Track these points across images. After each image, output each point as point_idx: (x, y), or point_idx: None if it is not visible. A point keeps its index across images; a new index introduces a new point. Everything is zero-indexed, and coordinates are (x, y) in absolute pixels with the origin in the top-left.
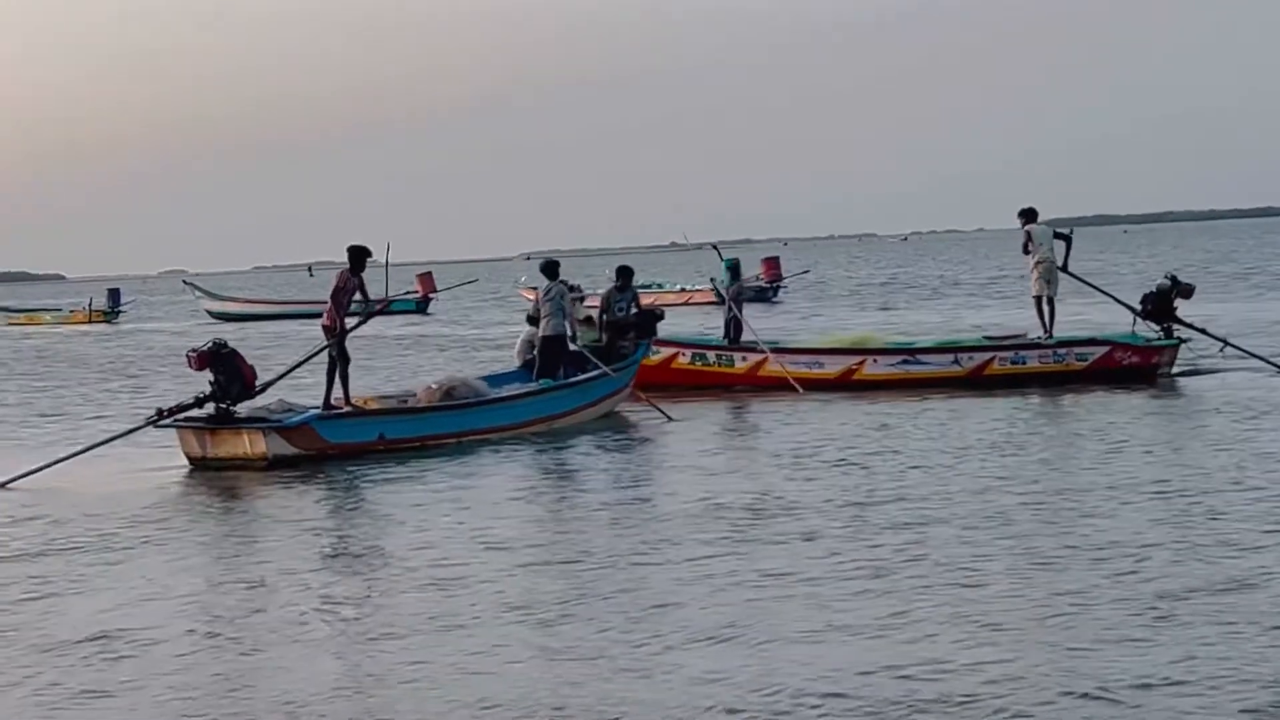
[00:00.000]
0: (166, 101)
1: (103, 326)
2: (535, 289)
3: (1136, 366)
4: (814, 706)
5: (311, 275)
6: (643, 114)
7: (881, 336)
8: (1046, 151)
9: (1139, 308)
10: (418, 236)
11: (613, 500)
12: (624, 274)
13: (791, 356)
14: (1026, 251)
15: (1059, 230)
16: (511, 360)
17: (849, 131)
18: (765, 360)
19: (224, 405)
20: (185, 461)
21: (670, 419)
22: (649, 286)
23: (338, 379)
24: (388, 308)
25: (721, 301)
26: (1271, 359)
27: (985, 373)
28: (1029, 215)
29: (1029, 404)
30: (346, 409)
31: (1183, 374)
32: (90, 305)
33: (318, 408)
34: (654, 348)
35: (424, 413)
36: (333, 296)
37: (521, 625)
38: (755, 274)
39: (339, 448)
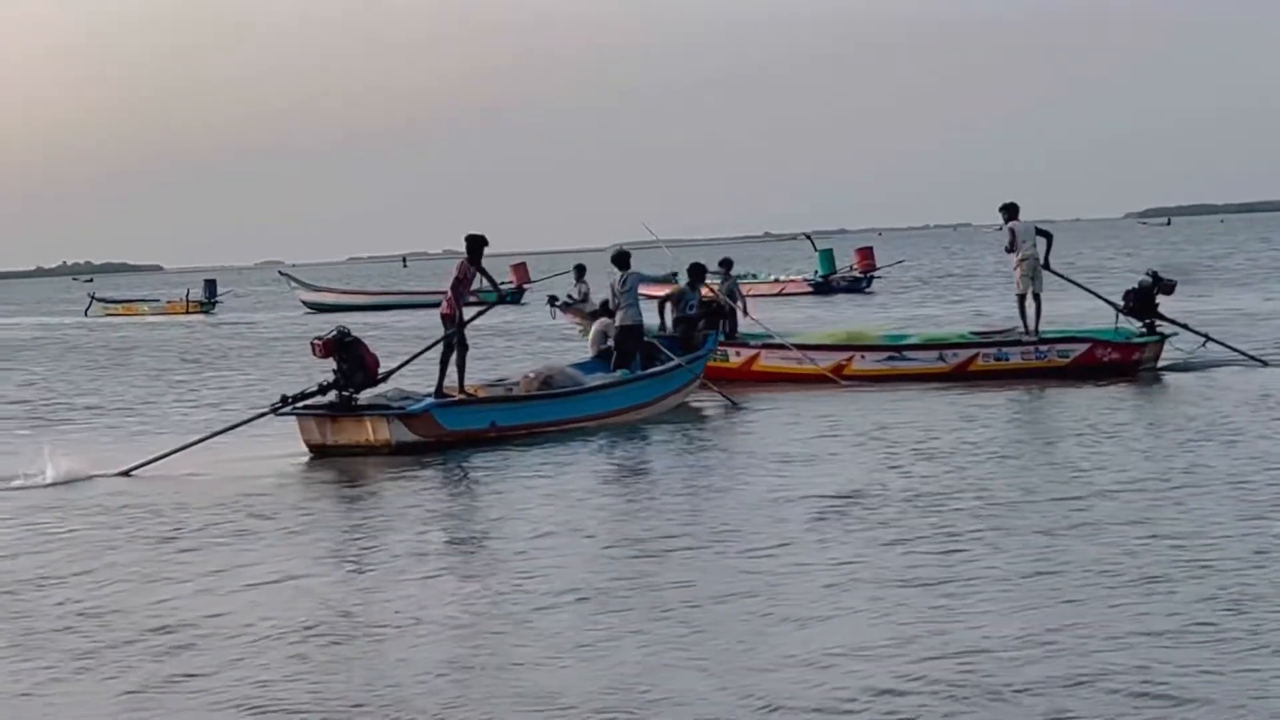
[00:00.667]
0: (264, 93)
1: (200, 317)
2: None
3: (1118, 362)
4: (874, 700)
5: (405, 266)
6: (738, 107)
7: (873, 332)
8: (1143, 139)
9: (1121, 304)
10: (510, 227)
11: (716, 490)
12: (697, 271)
13: (784, 351)
14: (1010, 250)
15: (1040, 228)
16: (583, 350)
17: (945, 121)
18: (759, 355)
19: (346, 393)
20: (305, 449)
21: (737, 405)
22: (744, 276)
23: (452, 366)
24: (505, 298)
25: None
26: (1251, 353)
27: (969, 369)
28: (1011, 211)
29: (1044, 397)
30: (460, 397)
31: (1167, 369)
32: (187, 296)
33: (429, 395)
34: None
35: (531, 401)
36: (453, 286)
37: (610, 615)
38: (849, 264)
39: (454, 435)
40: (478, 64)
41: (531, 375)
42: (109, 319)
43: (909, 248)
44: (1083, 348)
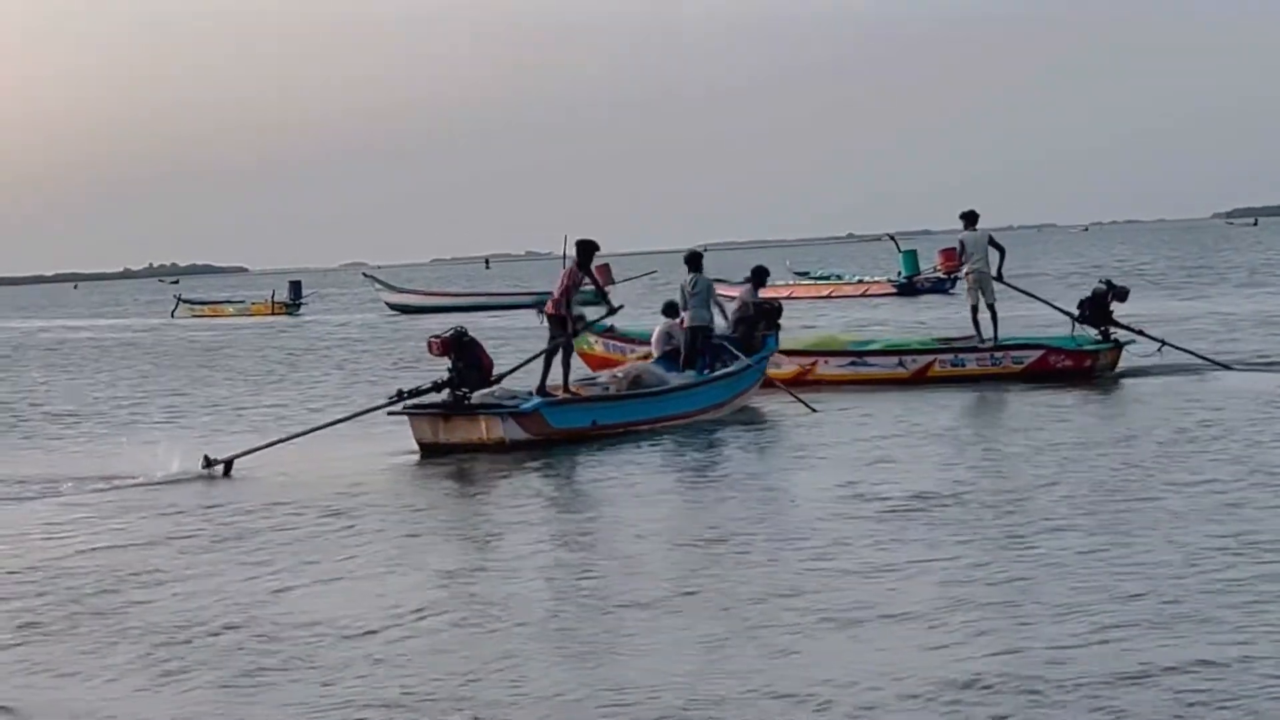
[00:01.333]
0: (342, 96)
1: (285, 318)
2: (719, 280)
3: (1070, 369)
4: (942, 699)
5: (488, 267)
6: (819, 106)
7: (844, 338)
8: (1231, 136)
9: (1076, 312)
10: (598, 228)
11: (792, 490)
12: (759, 274)
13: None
14: (960, 261)
15: (994, 239)
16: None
17: (1028, 119)
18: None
19: (459, 392)
20: (414, 447)
21: (814, 410)
22: (828, 277)
23: (556, 366)
24: (612, 310)
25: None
26: (1210, 356)
27: (928, 374)
28: (969, 219)
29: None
30: (565, 396)
31: (1124, 375)
32: (273, 298)
33: (529, 393)
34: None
35: (628, 400)
36: (564, 291)
37: (687, 616)
38: (933, 265)
39: (560, 433)
40: (559, 66)
41: (620, 375)
42: (194, 320)
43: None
44: (1036, 354)
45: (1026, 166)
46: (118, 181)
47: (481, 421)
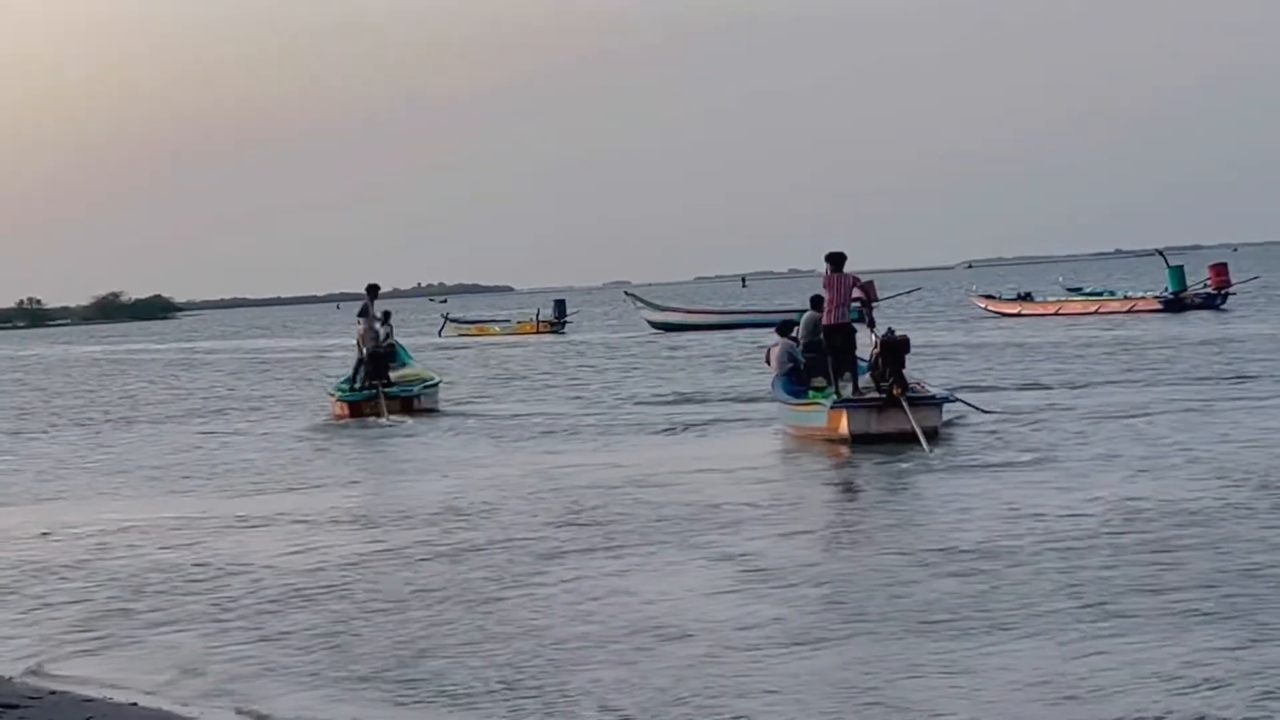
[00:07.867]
0: (609, 114)
1: (551, 337)
2: (990, 296)
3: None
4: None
5: (744, 285)
6: (1093, 123)
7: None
8: None
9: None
10: (858, 244)
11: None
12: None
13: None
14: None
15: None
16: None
17: None
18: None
19: (885, 384)
20: (844, 437)
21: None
22: (1100, 294)
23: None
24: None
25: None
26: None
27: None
28: (371, 292)
29: None
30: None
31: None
32: (538, 316)
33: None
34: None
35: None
36: (845, 303)
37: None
38: (1202, 280)
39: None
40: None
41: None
42: (460, 339)
43: (1271, 260)
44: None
45: None
46: (383, 202)
47: (923, 411)
